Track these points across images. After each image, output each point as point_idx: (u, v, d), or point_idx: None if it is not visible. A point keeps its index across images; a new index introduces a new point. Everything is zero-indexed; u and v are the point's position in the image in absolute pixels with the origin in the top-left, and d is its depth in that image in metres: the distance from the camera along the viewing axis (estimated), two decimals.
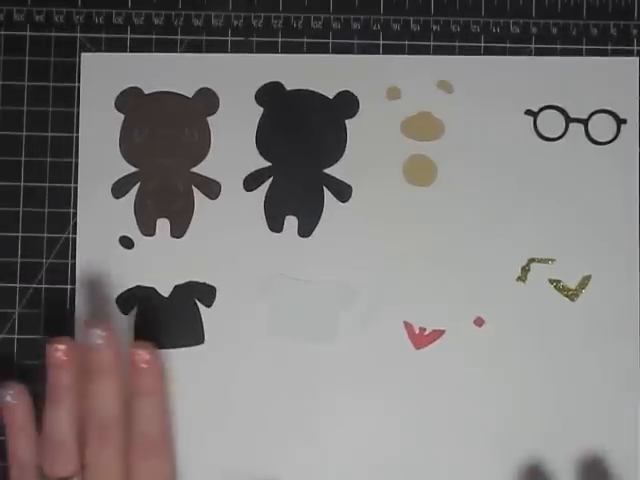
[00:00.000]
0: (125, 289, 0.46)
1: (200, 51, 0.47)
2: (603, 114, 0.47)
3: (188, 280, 0.46)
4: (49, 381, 0.39)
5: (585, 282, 0.46)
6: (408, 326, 0.46)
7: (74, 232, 0.46)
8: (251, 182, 0.47)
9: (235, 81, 0.47)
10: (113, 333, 0.39)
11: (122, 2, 0.47)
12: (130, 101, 0.47)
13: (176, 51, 0.47)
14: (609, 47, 0.47)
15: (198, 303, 0.46)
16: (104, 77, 0.47)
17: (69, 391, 0.38)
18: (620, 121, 0.47)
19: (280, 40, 0.47)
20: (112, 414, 0.38)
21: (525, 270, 0.46)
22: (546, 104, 0.47)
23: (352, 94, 0.47)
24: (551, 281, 0.46)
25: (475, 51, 0.47)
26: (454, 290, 0.46)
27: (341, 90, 0.47)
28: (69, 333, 0.45)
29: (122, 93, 0.47)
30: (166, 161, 0.46)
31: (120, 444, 0.38)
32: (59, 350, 0.38)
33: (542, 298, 0.46)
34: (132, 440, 0.39)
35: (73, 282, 0.46)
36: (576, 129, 0.47)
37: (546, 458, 0.45)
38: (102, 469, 0.38)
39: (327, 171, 0.47)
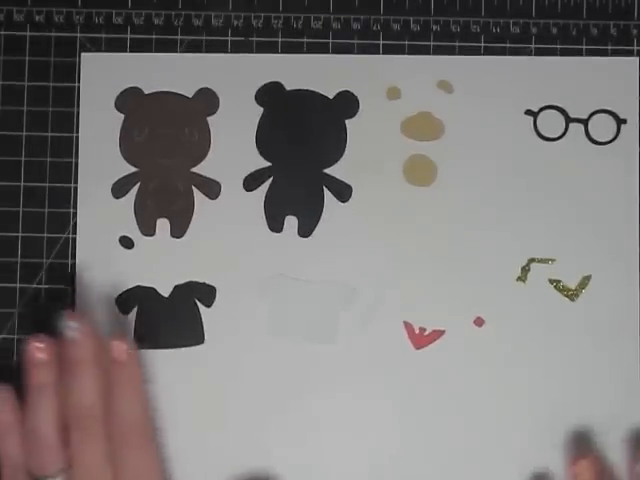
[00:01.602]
0: (125, 289, 0.46)
1: (200, 51, 0.47)
2: (603, 114, 0.47)
3: (188, 280, 0.46)
4: (30, 380, 0.38)
5: (585, 282, 0.46)
6: (408, 326, 0.46)
7: (74, 232, 0.46)
8: (251, 182, 0.47)
9: (235, 81, 0.47)
10: (89, 325, 0.38)
11: (122, 2, 0.47)
12: (130, 101, 0.47)
13: (176, 51, 0.47)
14: (609, 47, 0.47)
15: (198, 303, 0.46)
16: (104, 77, 0.47)
17: (50, 389, 0.38)
18: (620, 121, 0.47)
19: (280, 40, 0.47)
20: (90, 406, 0.38)
21: (525, 270, 0.46)
22: (546, 104, 0.47)
23: (352, 94, 0.47)
24: (551, 281, 0.46)
25: (475, 51, 0.47)
26: (454, 290, 0.46)
27: (341, 90, 0.47)
28: None
29: (122, 93, 0.47)
30: (166, 161, 0.46)
31: (102, 437, 0.38)
32: (39, 349, 0.38)
33: (542, 298, 0.46)
34: (115, 432, 0.38)
35: (73, 282, 0.46)
36: (576, 129, 0.47)
37: (546, 457, 0.46)
38: (87, 463, 0.37)
39: (327, 171, 0.47)
